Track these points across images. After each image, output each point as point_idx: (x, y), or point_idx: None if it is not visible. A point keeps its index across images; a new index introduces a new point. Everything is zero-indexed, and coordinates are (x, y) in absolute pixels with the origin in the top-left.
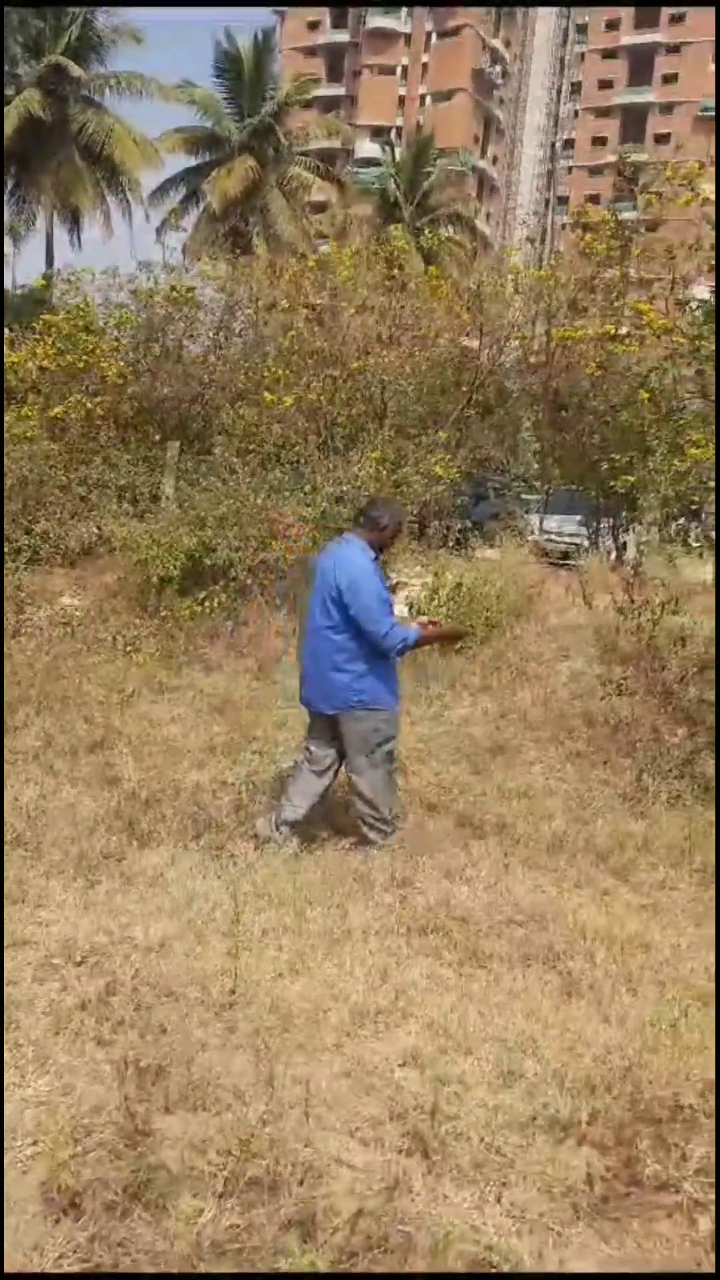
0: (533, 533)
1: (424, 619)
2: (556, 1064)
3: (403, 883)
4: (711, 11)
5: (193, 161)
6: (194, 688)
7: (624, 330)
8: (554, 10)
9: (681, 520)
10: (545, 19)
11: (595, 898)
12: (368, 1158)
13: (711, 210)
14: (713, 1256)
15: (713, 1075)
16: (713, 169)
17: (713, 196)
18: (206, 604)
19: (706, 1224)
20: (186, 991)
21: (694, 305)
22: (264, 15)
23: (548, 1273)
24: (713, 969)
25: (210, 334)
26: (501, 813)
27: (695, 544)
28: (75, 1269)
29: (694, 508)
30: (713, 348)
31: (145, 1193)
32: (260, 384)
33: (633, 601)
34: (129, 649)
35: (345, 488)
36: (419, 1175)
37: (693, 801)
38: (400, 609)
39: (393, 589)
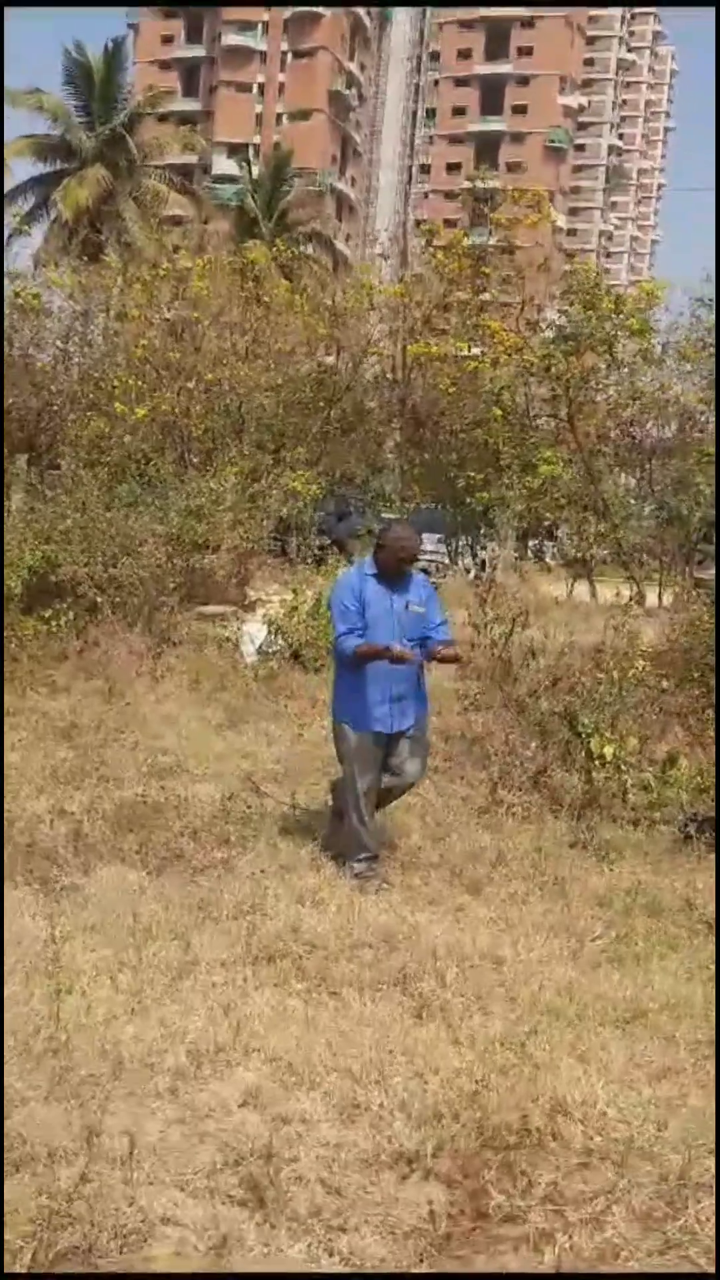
0: None
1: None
2: (403, 1093)
3: (251, 909)
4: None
5: (43, 169)
6: (38, 711)
7: (478, 350)
8: (407, 37)
9: (539, 539)
10: (399, 48)
11: (448, 914)
12: (198, 1212)
13: (560, 237)
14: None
15: (561, 1094)
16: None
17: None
18: (52, 622)
19: (551, 1255)
20: (5, 1040)
21: (544, 325)
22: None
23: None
24: (562, 982)
25: (59, 343)
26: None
27: (550, 560)
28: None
29: (548, 525)
30: (563, 367)
31: None
32: (111, 395)
33: (485, 615)
34: None
35: (200, 501)
36: (252, 1227)
37: (544, 813)
38: (258, 628)
39: (251, 606)
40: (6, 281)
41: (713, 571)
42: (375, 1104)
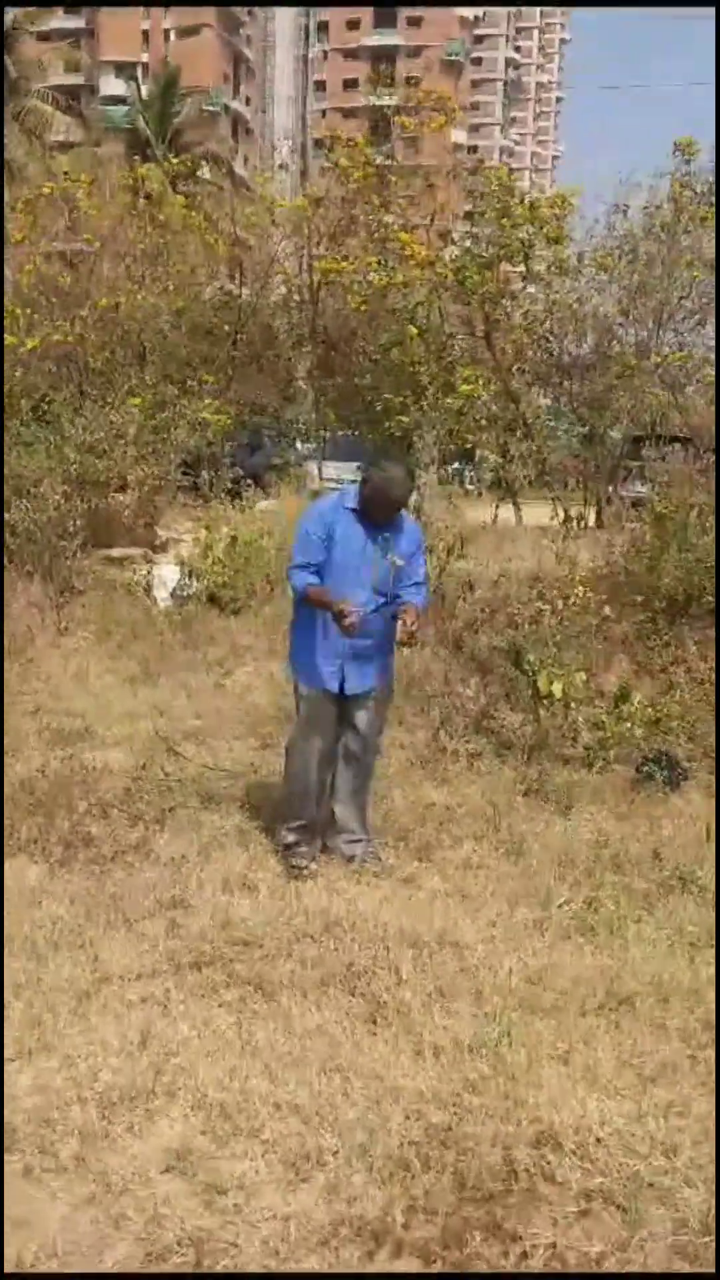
0: (313, 481)
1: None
2: (362, 1134)
3: (172, 903)
4: None
5: None
6: None
7: (387, 269)
8: None
9: (457, 463)
10: None
11: (397, 889)
12: None
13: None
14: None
15: (547, 1116)
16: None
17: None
18: None
19: None
20: None
21: (455, 238)
22: None
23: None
24: (533, 966)
25: None
26: None
27: (470, 485)
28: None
29: (467, 448)
30: (477, 280)
31: None
32: None
33: None
34: None
35: (99, 436)
36: None
37: (492, 759)
38: (171, 570)
39: (162, 546)
40: None
41: (640, 490)
42: (329, 1152)
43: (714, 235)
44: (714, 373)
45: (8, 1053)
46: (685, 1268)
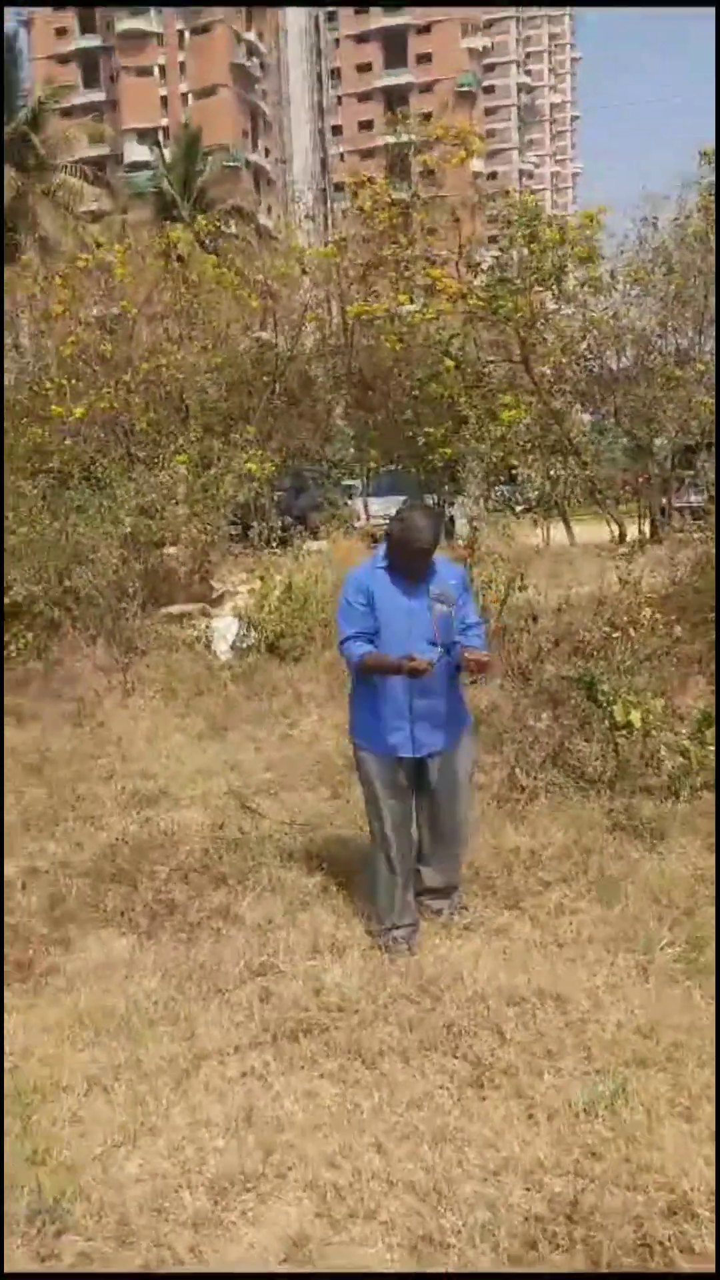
0: (359, 519)
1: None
2: (483, 1210)
3: (262, 970)
4: None
5: None
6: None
7: (418, 304)
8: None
9: (503, 487)
10: (296, 11)
11: (490, 941)
12: None
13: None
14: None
15: (676, 1181)
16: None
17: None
18: (10, 647)
19: None
20: None
21: (484, 267)
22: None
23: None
24: (642, 1017)
25: None
26: (366, 844)
27: (519, 508)
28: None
29: (513, 473)
30: (511, 307)
31: None
32: (46, 398)
33: (473, 581)
34: None
35: (151, 498)
36: None
37: (573, 794)
38: (229, 623)
39: (218, 600)
40: None
41: (695, 499)
42: (451, 1233)
43: None
44: None
45: (114, 1139)
46: None
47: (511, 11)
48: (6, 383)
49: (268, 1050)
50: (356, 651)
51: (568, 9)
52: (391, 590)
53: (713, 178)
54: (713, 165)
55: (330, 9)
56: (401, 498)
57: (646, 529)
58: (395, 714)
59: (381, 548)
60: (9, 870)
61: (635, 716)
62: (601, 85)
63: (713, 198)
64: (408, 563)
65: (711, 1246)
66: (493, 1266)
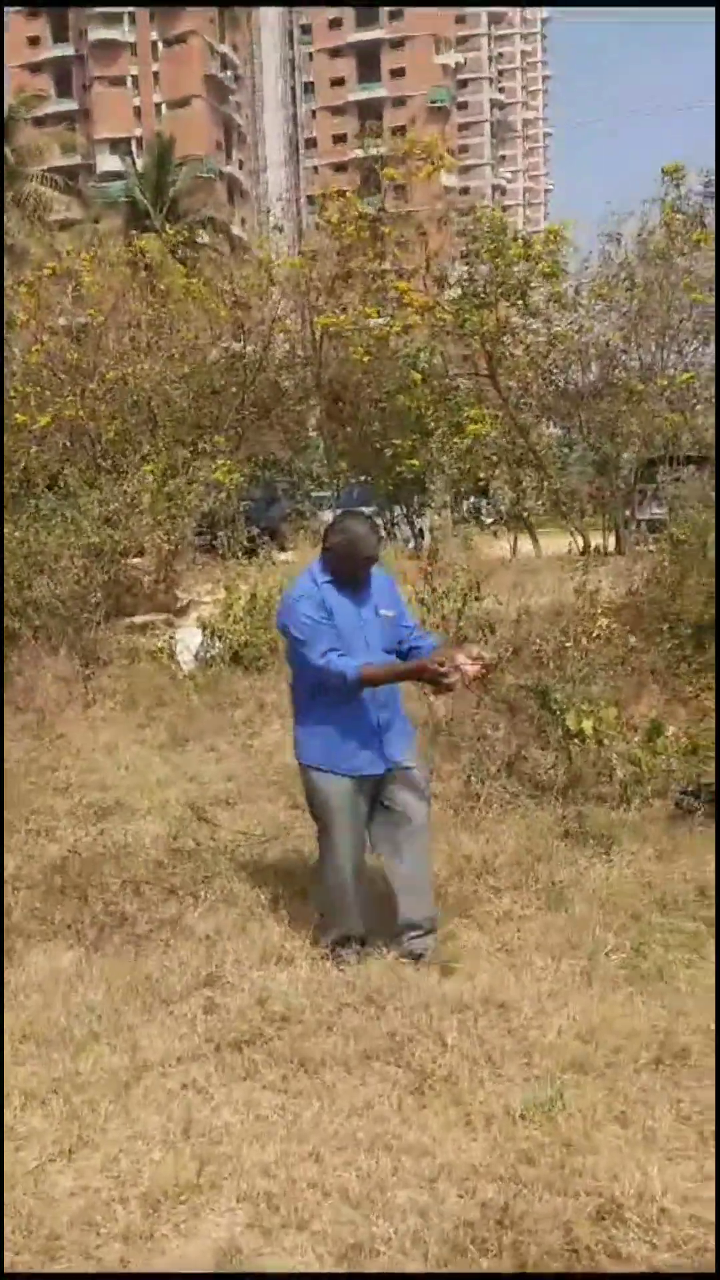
0: None
1: (469, 657)
2: (415, 1218)
3: (208, 981)
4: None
5: None
6: None
7: (386, 317)
8: (276, 14)
9: (472, 499)
10: (270, 24)
11: (437, 951)
12: None
13: (454, 196)
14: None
15: (607, 1186)
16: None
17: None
18: None
19: None
20: None
21: (451, 282)
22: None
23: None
24: (583, 1023)
25: None
26: None
27: (488, 520)
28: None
29: (481, 485)
30: (477, 321)
31: None
32: (9, 406)
33: (434, 591)
34: None
35: (114, 506)
36: None
37: (527, 802)
38: (193, 633)
39: (183, 610)
40: None
41: (657, 512)
42: (381, 1240)
43: (709, 257)
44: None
45: (49, 1153)
46: None
47: (482, 30)
48: None
49: (209, 1061)
50: (348, 665)
51: (539, 28)
52: (343, 602)
53: (675, 195)
54: (675, 182)
55: (304, 22)
56: (370, 508)
57: (611, 542)
58: (363, 730)
59: (316, 563)
60: None
61: (587, 725)
62: (574, 101)
63: (676, 215)
64: (353, 573)
65: (640, 1251)
66: (422, 1272)
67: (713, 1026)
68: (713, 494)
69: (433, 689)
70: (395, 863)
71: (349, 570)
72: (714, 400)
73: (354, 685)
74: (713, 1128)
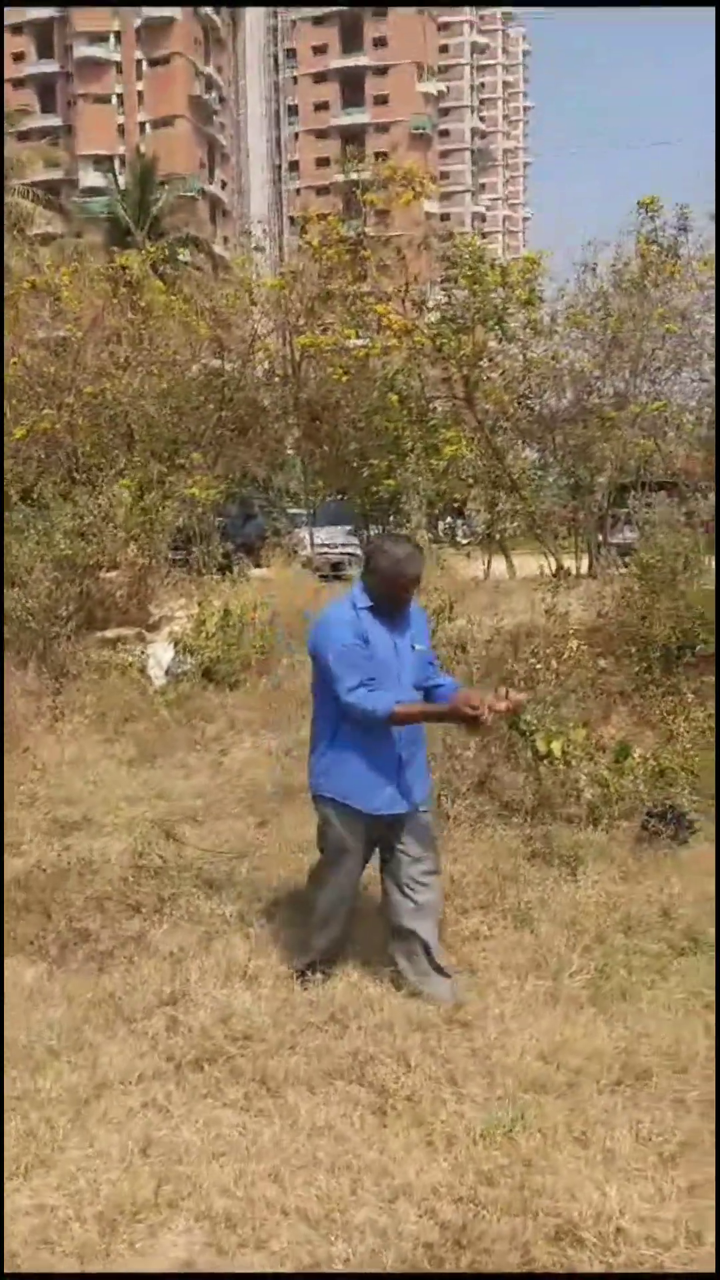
0: (305, 547)
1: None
2: (373, 1238)
3: (171, 999)
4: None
5: None
6: None
7: (365, 339)
8: (261, 37)
9: (448, 519)
10: (255, 45)
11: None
12: None
13: (434, 223)
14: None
15: (564, 1206)
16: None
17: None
18: None
19: None
20: None
21: (430, 306)
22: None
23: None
24: (545, 1044)
25: None
26: (290, 874)
27: (463, 541)
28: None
29: (457, 505)
30: (454, 345)
31: None
32: None
33: None
34: None
35: (88, 520)
36: None
37: (495, 822)
38: (164, 649)
39: (155, 625)
40: None
41: (629, 536)
42: (339, 1260)
43: (683, 289)
44: (692, 420)
45: (5, 1171)
46: None
47: (465, 59)
48: None
49: (170, 1080)
50: (381, 703)
51: (521, 59)
52: (381, 632)
53: (651, 228)
54: (650, 215)
55: (289, 46)
56: (346, 527)
57: (584, 565)
58: (388, 766)
59: (356, 587)
60: None
61: (556, 747)
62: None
63: (651, 246)
64: (397, 597)
65: (597, 1269)
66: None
67: (673, 1048)
68: (680, 520)
69: (466, 728)
70: (407, 901)
71: (393, 594)
72: (695, 426)
73: (381, 723)
74: (671, 1149)
